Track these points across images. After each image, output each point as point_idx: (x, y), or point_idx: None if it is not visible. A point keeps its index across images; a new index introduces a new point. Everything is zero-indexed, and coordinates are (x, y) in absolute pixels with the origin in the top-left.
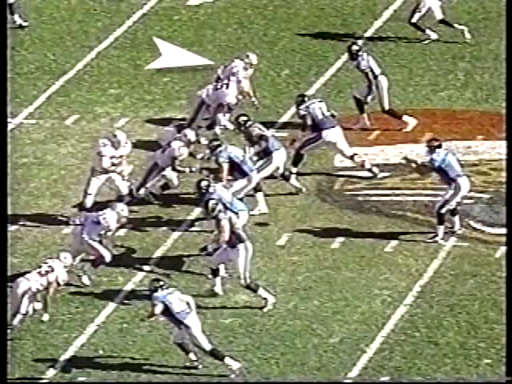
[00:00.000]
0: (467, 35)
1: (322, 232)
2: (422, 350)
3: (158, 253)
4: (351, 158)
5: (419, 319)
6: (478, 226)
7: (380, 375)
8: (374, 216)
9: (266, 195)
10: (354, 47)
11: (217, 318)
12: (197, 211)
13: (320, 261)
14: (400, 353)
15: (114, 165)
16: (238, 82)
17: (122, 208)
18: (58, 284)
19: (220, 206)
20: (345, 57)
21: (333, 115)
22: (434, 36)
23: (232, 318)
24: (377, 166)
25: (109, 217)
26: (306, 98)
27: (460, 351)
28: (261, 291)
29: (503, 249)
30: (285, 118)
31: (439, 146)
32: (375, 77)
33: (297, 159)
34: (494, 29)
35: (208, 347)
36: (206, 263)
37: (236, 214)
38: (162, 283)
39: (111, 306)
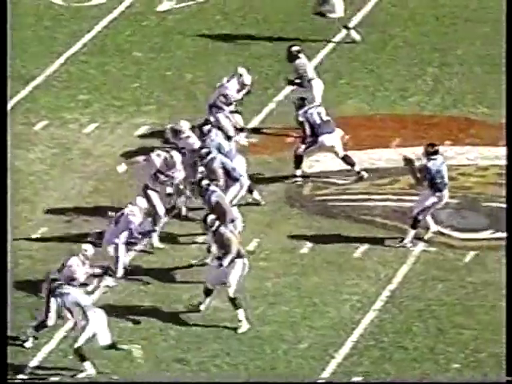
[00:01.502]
0: (357, 37)
1: (290, 237)
2: (391, 354)
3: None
4: (343, 158)
5: (388, 324)
6: (447, 231)
7: (349, 380)
8: (342, 221)
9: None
10: (294, 48)
11: (185, 324)
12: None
13: (289, 266)
14: (369, 358)
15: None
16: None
17: (142, 201)
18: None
19: (217, 222)
20: (314, 62)
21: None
22: (358, 37)
23: (201, 324)
24: (347, 170)
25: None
26: (305, 102)
27: (429, 356)
28: (240, 312)
29: (471, 253)
30: (254, 123)
31: (436, 152)
32: (309, 80)
33: (298, 162)
34: (462, 34)
35: (77, 344)
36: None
37: (232, 221)
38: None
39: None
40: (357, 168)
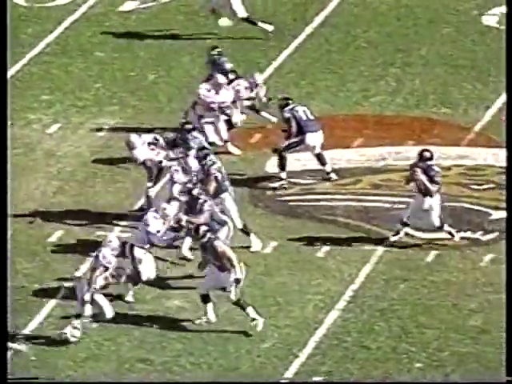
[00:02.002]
0: (269, 28)
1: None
2: (354, 354)
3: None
4: (317, 155)
5: (351, 324)
6: (409, 230)
7: (312, 380)
8: (306, 221)
9: None
10: (215, 50)
11: (150, 324)
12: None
13: (252, 266)
14: (332, 357)
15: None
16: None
17: (165, 207)
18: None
19: (210, 233)
20: (277, 62)
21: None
22: (269, 28)
23: (165, 324)
24: (309, 171)
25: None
26: (290, 101)
27: (391, 355)
28: (250, 311)
29: (433, 253)
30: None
31: (431, 158)
32: (230, 81)
33: (282, 163)
34: (424, 34)
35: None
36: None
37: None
38: None
39: (44, 312)
40: (328, 168)
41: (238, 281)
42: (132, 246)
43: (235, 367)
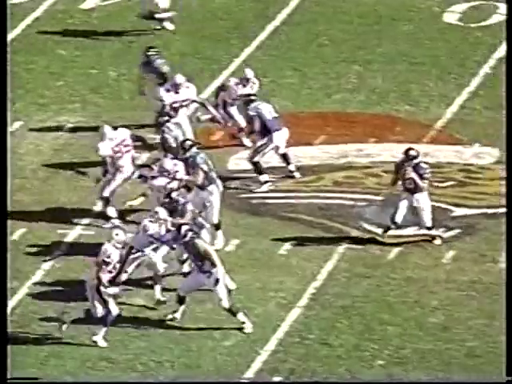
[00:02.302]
0: (170, 27)
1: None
2: (316, 351)
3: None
4: (282, 155)
5: (313, 321)
6: (372, 227)
7: (274, 377)
8: (268, 219)
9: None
10: (152, 50)
11: (112, 322)
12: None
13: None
14: (294, 354)
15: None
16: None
17: (157, 210)
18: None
19: (191, 233)
20: (238, 60)
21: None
22: (170, 27)
23: (127, 322)
24: (272, 168)
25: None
26: (254, 98)
27: (354, 353)
28: (240, 316)
29: (396, 250)
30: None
31: (417, 156)
32: (165, 78)
33: (257, 168)
34: (386, 32)
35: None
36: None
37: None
38: None
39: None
40: (292, 167)
41: (217, 281)
42: (131, 247)
43: (197, 365)
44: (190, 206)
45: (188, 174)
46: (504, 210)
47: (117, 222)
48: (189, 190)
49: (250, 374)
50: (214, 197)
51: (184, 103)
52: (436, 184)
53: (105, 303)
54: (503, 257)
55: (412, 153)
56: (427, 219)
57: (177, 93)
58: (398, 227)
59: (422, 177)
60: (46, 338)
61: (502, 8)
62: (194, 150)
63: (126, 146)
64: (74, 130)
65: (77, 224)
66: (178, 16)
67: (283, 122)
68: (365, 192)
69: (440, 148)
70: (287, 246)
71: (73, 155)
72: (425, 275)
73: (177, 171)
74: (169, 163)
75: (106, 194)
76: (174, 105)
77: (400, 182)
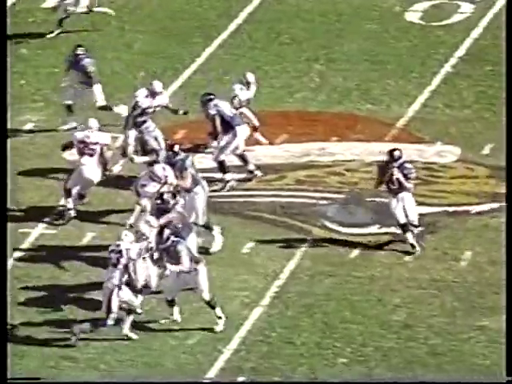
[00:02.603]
0: (109, 11)
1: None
2: (279, 350)
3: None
4: (240, 155)
5: (276, 320)
6: (334, 226)
7: (237, 376)
8: (231, 217)
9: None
10: (80, 49)
11: (74, 321)
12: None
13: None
14: (257, 353)
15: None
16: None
17: (149, 220)
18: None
19: (173, 237)
20: (201, 59)
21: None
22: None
23: (90, 321)
24: (234, 167)
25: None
26: (212, 97)
27: (316, 351)
28: (217, 311)
29: (358, 248)
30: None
31: (401, 156)
32: (90, 77)
33: (222, 167)
34: (347, 31)
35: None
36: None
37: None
38: None
39: None
40: (251, 167)
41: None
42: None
43: (160, 364)
44: (180, 207)
45: (176, 177)
46: (466, 208)
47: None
48: (174, 195)
49: (212, 372)
50: (199, 198)
51: (157, 108)
52: None
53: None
54: (465, 255)
55: (397, 153)
56: (414, 217)
57: (153, 99)
58: (404, 226)
59: (406, 177)
60: (13, 338)
61: (464, 7)
62: (184, 154)
63: (91, 147)
64: (36, 128)
65: (39, 222)
66: (140, 15)
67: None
68: (327, 190)
69: (402, 146)
70: (250, 244)
71: (35, 153)
72: (387, 273)
73: (167, 176)
74: (159, 169)
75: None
76: (148, 110)
77: (384, 184)
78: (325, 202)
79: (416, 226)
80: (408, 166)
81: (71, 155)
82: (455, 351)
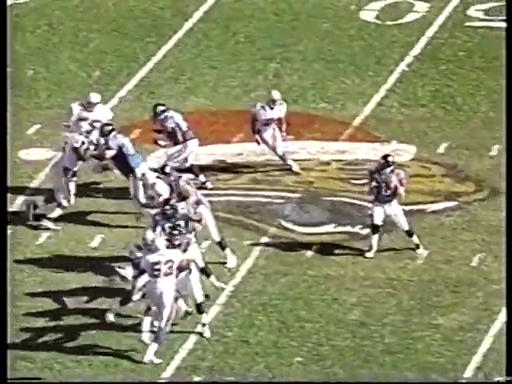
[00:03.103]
0: None
1: (135, 233)
2: (235, 349)
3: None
4: (190, 169)
5: (232, 318)
6: (289, 225)
7: (194, 375)
8: None
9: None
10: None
11: (27, 321)
12: None
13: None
14: (213, 352)
15: None
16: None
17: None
18: None
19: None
20: (156, 58)
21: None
22: None
23: (43, 321)
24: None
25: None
26: (165, 107)
27: (272, 350)
28: (204, 317)
29: (314, 248)
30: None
31: (394, 163)
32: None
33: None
34: (303, 30)
35: None
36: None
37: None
38: None
39: None
40: (202, 178)
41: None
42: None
43: (115, 363)
44: (184, 211)
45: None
46: (422, 206)
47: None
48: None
49: (169, 372)
50: (206, 216)
51: (94, 123)
52: (353, 181)
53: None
54: (422, 253)
55: (391, 159)
56: (404, 223)
57: (90, 112)
58: (376, 228)
59: (401, 183)
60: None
61: (418, 6)
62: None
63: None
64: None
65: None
66: (95, 14)
67: (201, 119)
68: (283, 189)
69: (357, 145)
70: (206, 243)
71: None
72: (343, 272)
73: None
74: (161, 187)
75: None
76: (86, 121)
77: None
78: (281, 201)
79: (408, 232)
80: (401, 172)
81: (26, 155)
82: (410, 349)
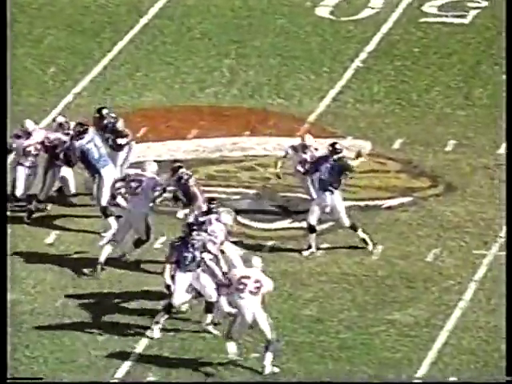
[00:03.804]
0: None
1: (89, 228)
2: (191, 344)
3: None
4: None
5: (189, 314)
6: (246, 221)
7: (149, 372)
8: None
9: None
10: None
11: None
12: None
13: (90, 259)
14: (169, 348)
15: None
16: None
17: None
18: None
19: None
20: (111, 54)
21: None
22: None
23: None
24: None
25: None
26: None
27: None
28: (209, 316)
29: (270, 243)
30: (52, 116)
31: (342, 151)
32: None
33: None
34: (258, 26)
35: None
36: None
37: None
38: None
39: None
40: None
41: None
42: None
43: (71, 360)
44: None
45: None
46: (377, 202)
47: None
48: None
49: (124, 369)
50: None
51: (28, 148)
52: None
53: None
54: (376, 249)
55: (339, 146)
56: (345, 219)
57: (27, 138)
58: (312, 228)
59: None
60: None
61: (373, 1)
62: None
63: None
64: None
65: None
66: (50, 10)
67: (157, 115)
68: (239, 186)
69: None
70: (162, 239)
71: None
72: (299, 268)
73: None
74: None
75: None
76: (28, 148)
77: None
78: (237, 197)
79: (352, 227)
80: (348, 160)
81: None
82: (366, 345)
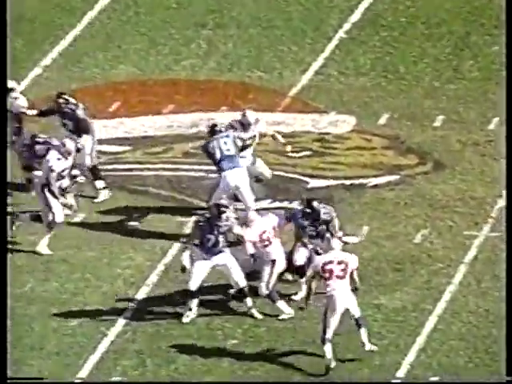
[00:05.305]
0: None
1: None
2: (166, 330)
3: None
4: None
5: (162, 298)
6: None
7: (122, 359)
8: (115, 191)
9: None
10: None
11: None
12: None
13: (60, 240)
14: (143, 334)
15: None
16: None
17: None
18: None
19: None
20: (82, 24)
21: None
22: None
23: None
24: (117, 139)
25: None
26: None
27: (205, 331)
28: (248, 300)
29: None
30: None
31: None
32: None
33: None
34: None
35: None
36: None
37: None
38: None
39: None
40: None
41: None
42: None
43: (40, 347)
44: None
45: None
46: (363, 180)
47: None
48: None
49: (96, 356)
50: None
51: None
52: (290, 154)
53: None
54: (362, 230)
55: (218, 128)
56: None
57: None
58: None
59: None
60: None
61: None
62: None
63: None
64: None
65: None
66: None
67: (131, 89)
68: None
69: (295, 116)
70: (136, 220)
71: None
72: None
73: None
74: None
75: None
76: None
77: None
78: (214, 175)
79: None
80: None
81: None
82: (351, 331)
